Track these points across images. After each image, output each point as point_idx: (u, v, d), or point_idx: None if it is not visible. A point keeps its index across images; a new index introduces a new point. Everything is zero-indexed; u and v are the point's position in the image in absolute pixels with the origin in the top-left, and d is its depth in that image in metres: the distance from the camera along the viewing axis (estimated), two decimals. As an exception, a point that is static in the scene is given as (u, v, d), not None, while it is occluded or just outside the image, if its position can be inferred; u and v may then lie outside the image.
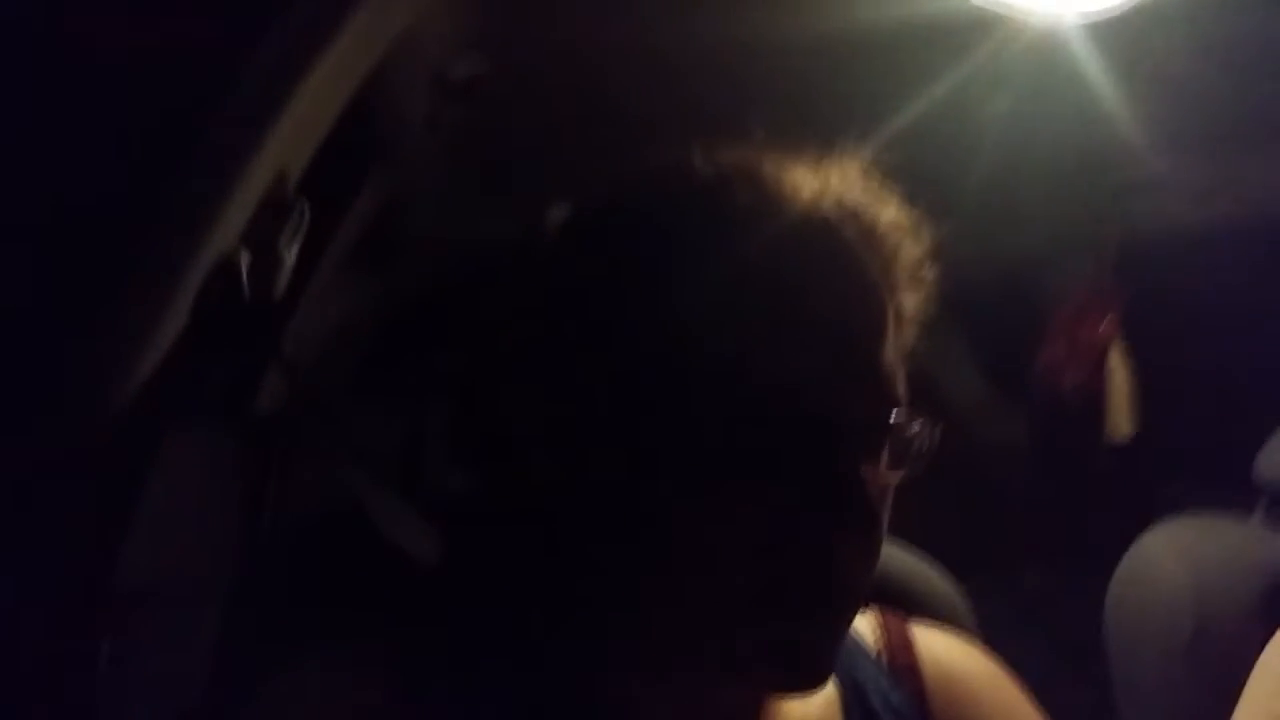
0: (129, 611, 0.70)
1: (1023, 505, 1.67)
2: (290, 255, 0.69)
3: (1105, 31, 0.92)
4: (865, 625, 0.67)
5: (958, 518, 1.48)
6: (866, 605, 0.69)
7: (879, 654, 0.66)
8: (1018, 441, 1.71)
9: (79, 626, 0.67)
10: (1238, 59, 0.96)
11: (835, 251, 0.53)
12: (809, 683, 0.52)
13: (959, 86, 0.95)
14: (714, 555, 0.50)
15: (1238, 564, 1.07)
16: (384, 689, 0.54)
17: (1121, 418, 1.48)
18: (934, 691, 0.65)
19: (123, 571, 0.68)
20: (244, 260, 0.64)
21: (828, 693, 0.62)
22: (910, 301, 0.57)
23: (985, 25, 0.91)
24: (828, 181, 0.55)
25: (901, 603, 0.75)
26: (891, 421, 0.52)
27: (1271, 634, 0.79)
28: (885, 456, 0.52)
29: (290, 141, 0.69)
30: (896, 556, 0.86)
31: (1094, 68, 0.95)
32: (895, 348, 0.54)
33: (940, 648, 0.68)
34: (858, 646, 0.65)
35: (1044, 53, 0.95)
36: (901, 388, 0.53)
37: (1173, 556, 1.10)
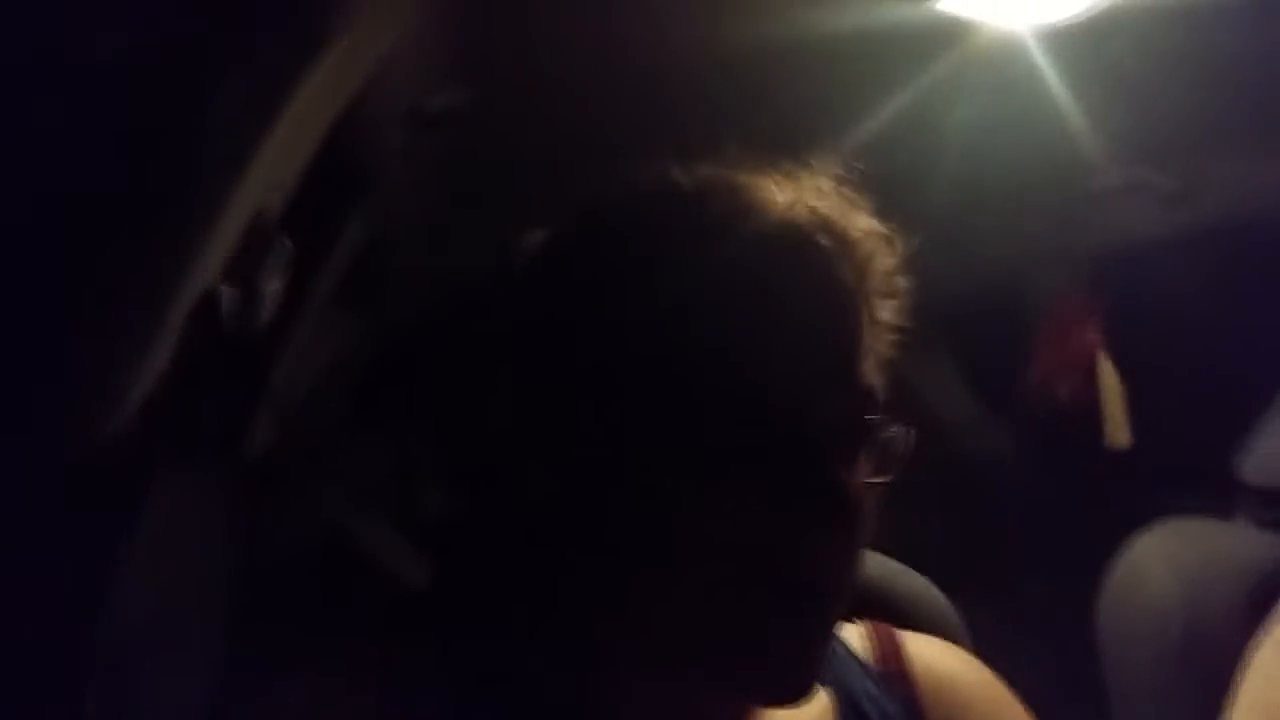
0: (116, 651, 0.70)
1: (1013, 517, 1.68)
2: (271, 290, 0.70)
3: (1064, 39, 0.94)
4: (856, 635, 0.68)
5: (947, 531, 1.49)
6: (856, 616, 0.69)
7: (871, 663, 0.66)
8: (1005, 453, 1.72)
9: (71, 659, 0.66)
10: (1195, 66, 0.98)
11: (809, 257, 0.54)
12: (795, 690, 0.53)
13: (922, 96, 0.96)
14: (696, 560, 0.51)
15: (1224, 565, 1.07)
16: (377, 694, 0.55)
17: (1119, 425, 1.50)
18: (927, 699, 0.65)
19: (114, 608, 0.68)
20: (225, 295, 0.65)
21: (821, 702, 0.62)
22: (885, 309, 0.58)
23: (947, 34, 0.92)
24: (800, 192, 0.57)
25: (893, 615, 0.75)
26: (869, 425, 0.53)
27: (1260, 632, 0.79)
28: (864, 460, 0.53)
29: (269, 176, 0.69)
30: (887, 568, 0.86)
31: (1054, 76, 0.96)
32: (872, 354, 0.55)
33: (932, 655, 0.68)
34: (849, 656, 0.66)
35: (1005, 62, 0.96)
36: (879, 392, 0.54)
37: (1160, 561, 1.10)
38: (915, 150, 1.06)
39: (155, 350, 0.62)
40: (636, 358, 0.52)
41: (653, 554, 0.51)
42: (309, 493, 1.13)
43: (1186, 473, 1.39)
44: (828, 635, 0.54)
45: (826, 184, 0.59)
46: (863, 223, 0.58)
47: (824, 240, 0.55)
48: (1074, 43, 0.95)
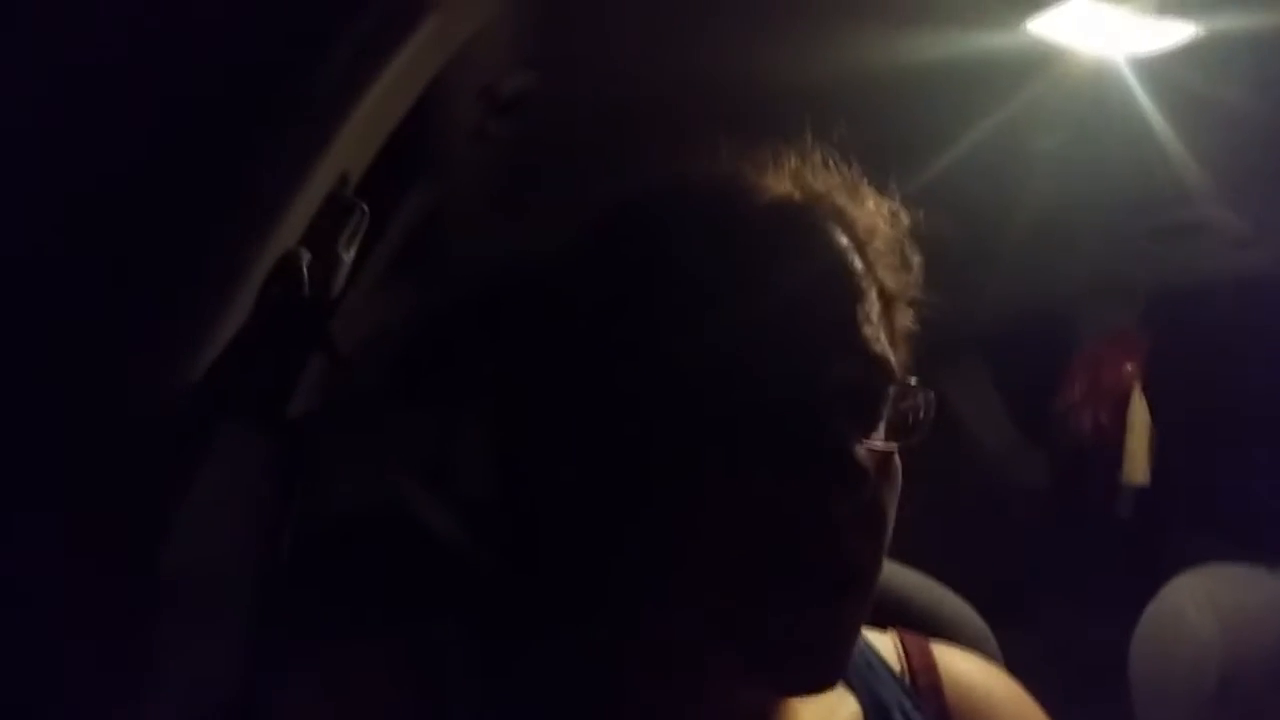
0: (172, 597, 0.70)
1: (1047, 546, 1.66)
2: (349, 256, 0.70)
3: (1157, 70, 0.93)
4: (886, 645, 0.67)
5: (981, 558, 1.48)
6: (886, 626, 0.69)
7: (901, 674, 0.66)
8: (1041, 482, 1.70)
9: (120, 619, 0.67)
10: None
11: (805, 229, 0.55)
12: (822, 676, 0.53)
13: (1009, 123, 0.95)
14: (721, 538, 0.51)
15: (1265, 613, 1.06)
16: (412, 685, 0.55)
17: (1138, 463, 1.47)
18: (957, 712, 0.65)
19: (167, 562, 0.69)
20: (305, 259, 0.65)
21: (851, 710, 0.62)
22: (895, 281, 0.59)
23: (1037, 62, 0.91)
24: (792, 170, 0.58)
25: (927, 628, 0.75)
26: (881, 392, 0.53)
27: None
28: (881, 427, 0.54)
29: (352, 146, 0.70)
30: (922, 584, 0.86)
31: (1145, 105, 0.95)
32: (884, 324, 0.56)
33: (962, 668, 0.68)
34: (881, 665, 0.65)
35: (1095, 90, 0.95)
36: (891, 360, 0.54)
37: (1198, 606, 1.09)
38: (998, 176, 1.05)
39: (234, 311, 0.63)
40: (646, 344, 0.53)
41: (679, 535, 0.52)
42: (353, 460, 1.14)
43: (1224, 516, 1.37)
44: (851, 626, 0.54)
45: (820, 162, 0.60)
46: (862, 196, 0.59)
47: (820, 213, 0.56)
48: (1164, 73, 0.93)
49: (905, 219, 0.60)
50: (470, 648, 0.57)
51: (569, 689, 0.56)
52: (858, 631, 0.55)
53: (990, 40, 0.88)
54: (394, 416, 1.33)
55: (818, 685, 0.53)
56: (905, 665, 0.66)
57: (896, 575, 0.84)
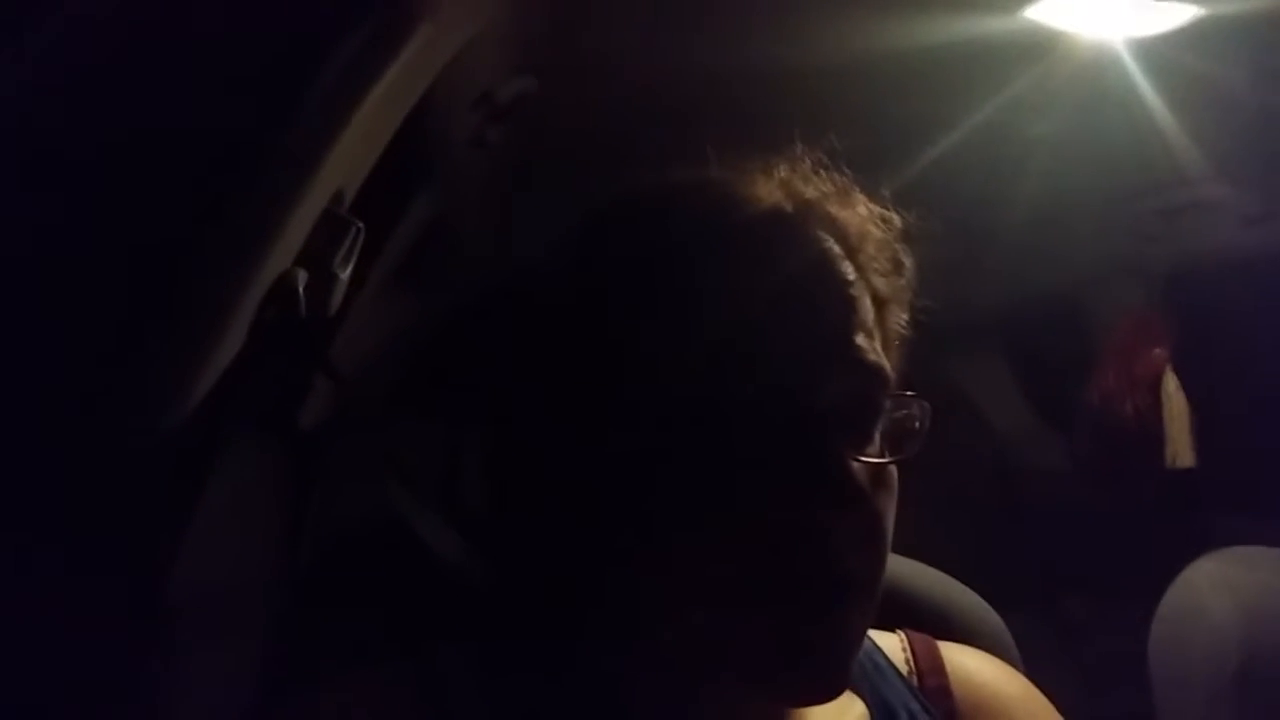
0: (177, 623, 0.71)
1: (1066, 533, 1.65)
2: (344, 273, 0.70)
3: (1155, 52, 0.92)
4: (893, 646, 0.67)
5: (998, 545, 1.47)
6: (894, 626, 0.68)
7: (908, 675, 0.66)
8: (1060, 468, 1.69)
9: (131, 635, 0.68)
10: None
11: (794, 240, 0.55)
12: (824, 689, 0.52)
13: (1008, 107, 0.95)
14: (718, 554, 0.51)
15: (1287, 597, 1.05)
16: (417, 712, 0.55)
17: (1182, 445, 1.47)
18: (966, 712, 0.65)
19: (172, 584, 0.69)
20: (300, 278, 0.65)
21: (858, 712, 0.62)
22: (887, 285, 0.58)
23: (1035, 46, 0.91)
24: (782, 179, 0.58)
25: (945, 629, 0.74)
26: (878, 403, 0.53)
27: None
28: (876, 438, 0.53)
29: (346, 161, 0.70)
30: (933, 579, 0.85)
31: (1144, 88, 0.94)
32: (878, 329, 0.56)
33: (971, 667, 0.68)
34: (887, 666, 0.65)
35: (1094, 73, 0.94)
36: (888, 370, 0.54)
37: (1218, 590, 1.08)
38: (998, 161, 1.04)
39: (230, 331, 0.63)
40: (632, 356, 0.53)
41: (681, 546, 0.51)
42: (362, 473, 1.15)
43: (1251, 498, 1.36)
44: (854, 634, 0.54)
45: (809, 170, 0.60)
46: (855, 204, 0.59)
47: (811, 225, 0.56)
48: (1162, 55, 0.92)
49: (897, 221, 0.60)
50: (474, 673, 0.57)
51: (573, 712, 0.56)
52: (861, 639, 0.55)
53: (989, 25, 0.87)
54: (399, 432, 1.33)
55: (822, 696, 0.53)
56: (912, 666, 0.66)
57: (906, 571, 0.84)
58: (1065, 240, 1.39)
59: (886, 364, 0.55)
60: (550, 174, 1.21)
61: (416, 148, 0.90)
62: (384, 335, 1.13)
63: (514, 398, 0.59)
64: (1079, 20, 0.87)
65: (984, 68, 0.93)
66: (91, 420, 0.61)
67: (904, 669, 0.66)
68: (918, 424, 0.54)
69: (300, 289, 0.64)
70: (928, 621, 0.74)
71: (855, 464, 0.51)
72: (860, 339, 0.54)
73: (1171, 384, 1.47)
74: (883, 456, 0.53)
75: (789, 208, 0.57)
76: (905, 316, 0.60)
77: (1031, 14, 0.87)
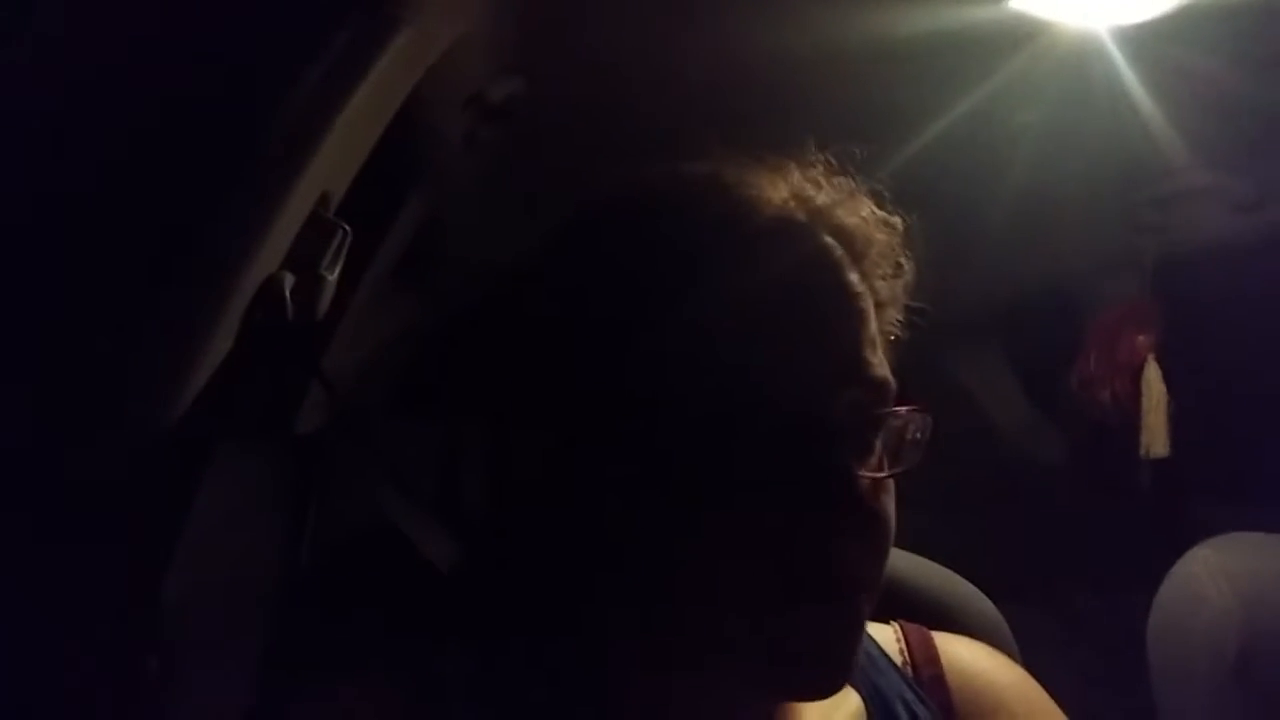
0: (175, 626, 0.71)
1: (1064, 524, 1.65)
2: (332, 276, 0.71)
3: (1140, 40, 0.92)
4: (887, 637, 0.68)
5: (998, 537, 1.47)
6: (895, 619, 0.68)
7: (903, 666, 0.66)
8: (1059, 460, 1.69)
9: (128, 639, 0.68)
10: (1275, 66, 0.95)
11: (807, 251, 0.54)
12: (825, 686, 0.53)
13: (992, 97, 0.95)
14: (719, 560, 0.51)
15: (1285, 582, 1.05)
16: (407, 694, 0.55)
17: (1157, 435, 1.46)
18: (961, 702, 0.65)
19: (170, 586, 0.70)
20: (288, 282, 0.65)
21: (853, 704, 0.62)
22: (886, 289, 0.58)
23: (1019, 35, 0.91)
24: (793, 184, 0.57)
25: (942, 621, 0.75)
26: (879, 414, 0.53)
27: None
28: (878, 449, 0.53)
29: (333, 163, 0.70)
30: (930, 571, 0.85)
31: (1129, 77, 0.94)
32: (880, 341, 0.56)
33: (966, 657, 0.68)
34: (882, 658, 0.66)
35: (1079, 62, 0.94)
36: (891, 384, 0.54)
37: (1217, 576, 1.08)
38: (983, 151, 1.04)
39: (219, 335, 0.63)
40: (634, 362, 0.52)
41: (681, 551, 0.51)
42: (357, 476, 1.15)
43: (1244, 485, 1.35)
44: (856, 631, 0.54)
45: (819, 173, 0.59)
46: (859, 207, 0.58)
47: (823, 235, 0.55)
48: (1147, 43, 0.92)
49: (899, 224, 0.60)
50: (472, 673, 0.57)
51: (571, 712, 0.56)
52: (861, 636, 0.55)
53: (973, 14, 0.87)
54: (396, 435, 1.33)
55: (822, 692, 0.53)
56: (907, 657, 0.66)
57: (905, 564, 0.84)
58: (1054, 231, 1.39)
59: (892, 378, 0.54)
60: (543, 173, 1.22)
61: (407, 149, 0.90)
62: (379, 337, 1.14)
63: (510, 398, 0.58)
64: (1063, 9, 0.87)
65: (968, 57, 0.93)
66: (87, 421, 0.61)
67: (899, 660, 0.66)
68: (919, 435, 0.54)
69: (288, 292, 0.65)
70: (926, 614, 0.74)
71: (864, 480, 0.51)
72: (868, 353, 0.53)
73: (1153, 372, 1.45)
74: (884, 466, 0.53)
75: (799, 215, 0.56)
76: (899, 316, 0.60)
77: (1015, 3, 0.87)
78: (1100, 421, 1.52)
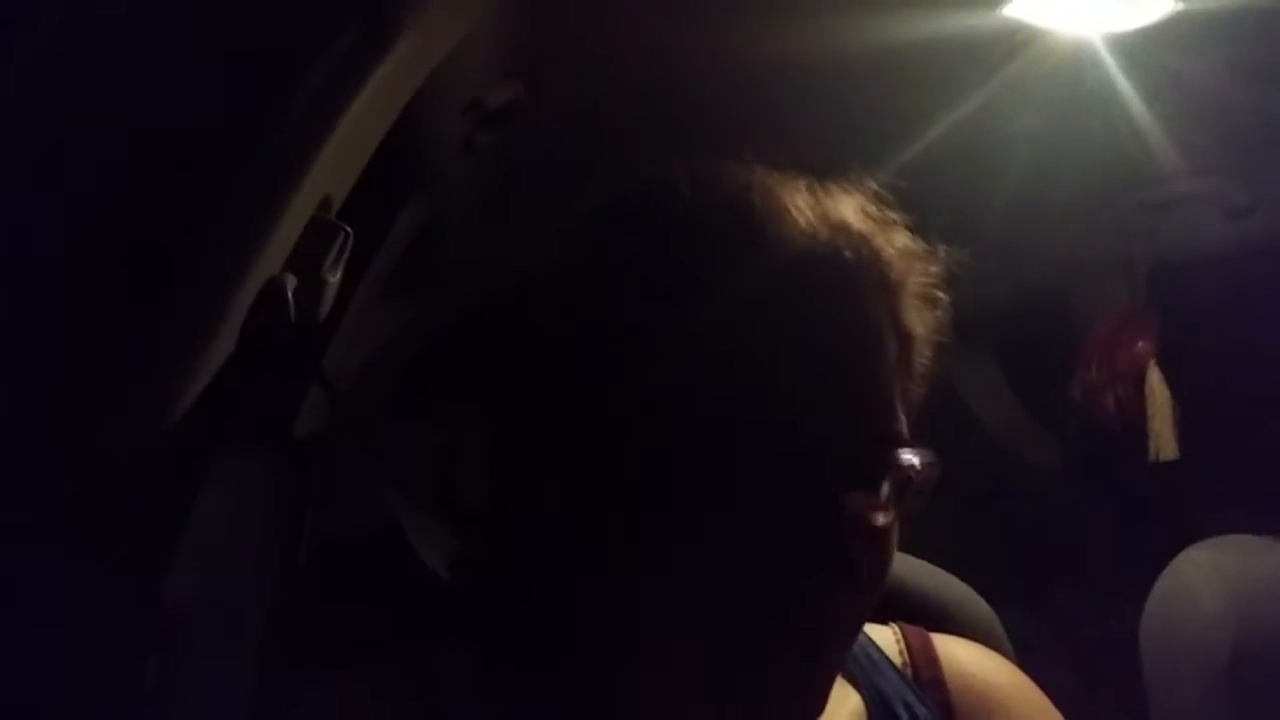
0: (175, 627, 0.72)
1: (1058, 527, 1.66)
2: (334, 279, 0.71)
3: (1134, 47, 0.93)
4: (887, 639, 0.68)
5: (991, 540, 1.47)
6: (887, 619, 0.69)
7: (903, 667, 0.66)
8: (1052, 463, 1.70)
9: (127, 640, 0.68)
10: (1268, 74, 0.96)
11: (831, 281, 0.52)
12: (806, 714, 0.53)
13: (987, 103, 0.95)
14: (707, 586, 0.50)
15: (1276, 583, 1.05)
16: (406, 699, 0.55)
17: (1166, 438, 1.47)
18: (960, 703, 0.65)
19: (169, 588, 0.70)
20: (290, 284, 0.66)
21: (853, 705, 0.62)
22: (921, 324, 0.56)
23: (1013, 42, 0.92)
24: (828, 208, 0.54)
25: (937, 621, 0.75)
26: (887, 454, 0.51)
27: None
28: (884, 490, 0.52)
29: (334, 167, 0.71)
30: (926, 572, 0.86)
31: (1123, 84, 0.95)
32: (902, 372, 0.54)
33: (965, 659, 0.68)
34: (882, 659, 0.66)
35: (1073, 69, 0.95)
36: (902, 419, 0.52)
37: (1210, 578, 1.09)
38: (977, 157, 1.05)
39: (221, 337, 0.64)
40: (638, 384, 0.51)
41: (665, 580, 0.51)
42: (357, 478, 1.15)
43: (1239, 488, 1.36)
44: (828, 676, 0.53)
45: (859, 198, 0.57)
46: (897, 238, 0.56)
47: (851, 262, 0.53)
48: (1141, 51, 0.93)
49: (939, 257, 0.58)
50: (469, 675, 0.57)
51: (567, 714, 0.56)
52: (834, 676, 0.54)
53: (968, 22, 0.88)
54: (396, 437, 1.34)
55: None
56: (907, 659, 0.67)
57: (900, 565, 0.84)
58: (1048, 236, 1.40)
59: (904, 425, 0.52)
60: (544, 177, 1.22)
61: (407, 153, 0.90)
62: (381, 339, 1.14)
63: (510, 403, 0.58)
64: (1057, 17, 0.88)
65: (963, 65, 0.94)
66: (88, 423, 0.62)
67: (898, 661, 0.66)
68: (925, 482, 0.52)
69: (290, 294, 0.65)
70: (922, 615, 0.75)
71: (862, 520, 0.50)
72: (881, 389, 0.52)
73: (1155, 377, 1.46)
74: (889, 506, 0.52)
75: (827, 239, 0.53)
76: (931, 353, 0.57)
77: (1010, 11, 0.88)
78: (1105, 428, 1.53)
